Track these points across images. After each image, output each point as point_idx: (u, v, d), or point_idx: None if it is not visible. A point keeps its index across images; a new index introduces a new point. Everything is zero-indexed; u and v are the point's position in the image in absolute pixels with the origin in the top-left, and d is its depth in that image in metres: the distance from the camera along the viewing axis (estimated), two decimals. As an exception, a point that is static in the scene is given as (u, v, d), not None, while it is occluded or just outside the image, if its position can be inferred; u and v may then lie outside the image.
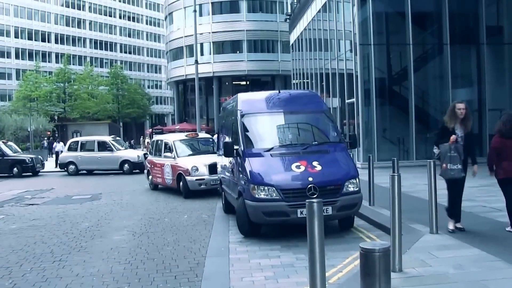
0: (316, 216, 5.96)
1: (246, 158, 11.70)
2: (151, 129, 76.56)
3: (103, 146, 33.42)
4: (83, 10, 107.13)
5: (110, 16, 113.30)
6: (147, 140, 53.28)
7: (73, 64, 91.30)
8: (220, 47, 74.12)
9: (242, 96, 13.84)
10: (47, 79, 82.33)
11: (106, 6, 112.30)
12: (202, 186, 19.35)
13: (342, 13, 31.29)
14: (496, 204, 13.45)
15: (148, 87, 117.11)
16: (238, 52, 73.51)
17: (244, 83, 74.13)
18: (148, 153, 27.69)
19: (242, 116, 12.65)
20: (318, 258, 5.96)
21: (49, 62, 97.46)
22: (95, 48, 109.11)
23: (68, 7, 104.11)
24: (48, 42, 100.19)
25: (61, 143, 44.76)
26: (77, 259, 10.59)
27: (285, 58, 66.78)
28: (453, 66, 27.34)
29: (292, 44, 52.52)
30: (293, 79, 52.82)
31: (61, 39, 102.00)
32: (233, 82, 74.29)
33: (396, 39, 28.96)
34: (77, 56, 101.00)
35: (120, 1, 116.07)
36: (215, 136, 21.86)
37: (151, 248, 11.32)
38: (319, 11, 36.82)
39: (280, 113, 13.06)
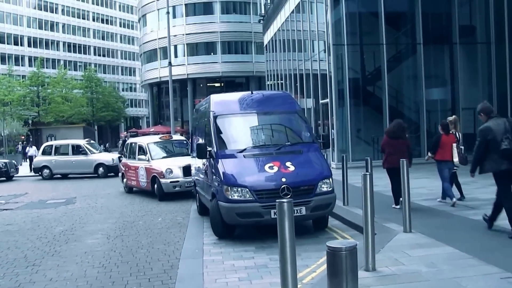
0: (287, 216, 5.94)
1: (219, 160, 11.67)
2: (125, 132, 76.17)
3: (77, 150, 33.16)
4: (56, 13, 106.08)
5: (84, 18, 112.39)
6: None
7: (46, 68, 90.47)
8: (194, 49, 73.91)
9: (214, 98, 13.78)
10: (21, 83, 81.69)
11: (80, 9, 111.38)
12: (176, 189, 19.33)
13: (316, 13, 31.35)
14: (470, 202, 13.63)
15: (123, 90, 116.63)
16: (212, 53, 73.41)
17: (218, 84, 74.05)
18: (122, 156, 27.55)
19: (215, 117, 12.61)
20: (289, 258, 5.95)
21: (22, 65, 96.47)
22: (69, 51, 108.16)
23: (41, 9, 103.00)
24: (21, 45, 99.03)
25: (34, 148, 44.39)
26: (50, 263, 10.50)
27: (259, 59, 66.82)
28: (427, 66, 27.55)
29: (266, 45, 52.54)
30: (268, 80, 52.84)
31: (34, 42, 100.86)
32: (208, 84, 74.19)
33: (370, 39, 29.10)
34: (50, 60, 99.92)
35: (93, 3, 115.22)
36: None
37: (125, 251, 11.26)
38: (292, 12, 36.88)
39: (253, 114, 13.04)
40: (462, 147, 13.54)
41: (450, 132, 13.73)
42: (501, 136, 9.53)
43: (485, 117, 10.08)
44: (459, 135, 14.08)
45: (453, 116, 14.73)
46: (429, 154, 13.95)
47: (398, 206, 13.05)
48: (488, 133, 9.71)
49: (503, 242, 9.38)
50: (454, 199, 13.08)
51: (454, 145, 13.44)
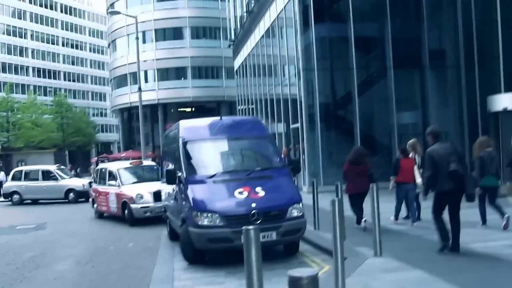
0: (253, 243, 5.88)
1: (189, 185, 11.63)
2: (96, 158, 75.57)
3: (47, 175, 32.85)
4: (25, 38, 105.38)
5: (53, 44, 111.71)
6: (92, 167, 52.64)
7: (16, 93, 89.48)
8: (165, 74, 73.68)
9: (183, 123, 13.77)
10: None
11: (49, 34, 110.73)
12: (147, 214, 19.21)
13: (286, 38, 31.51)
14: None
15: (93, 115, 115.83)
16: (182, 78, 73.19)
17: (189, 110, 73.69)
18: (93, 181, 27.35)
19: (184, 143, 12.59)
20: (256, 285, 5.87)
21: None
22: (39, 76, 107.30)
23: (10, 35, 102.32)
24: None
25: (2, 173, 43.80)
26: (19, 290, 10.34)
27: (230, 84, 66.73)
28: (397, 90, 27.63)
29: (237, 70, 52.67)
30: (239, 105, 52.89)
31: (3, 67, 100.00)
32: (178, 109, 73.81)
33: (340, 63, 29.23)
34: (20, 85, 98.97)
35: (63, 28, 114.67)
36: None
37: (95, 277, 11.17)
38: (262, 37, 37.04)
39: (222, 139, 13.07)
40: (421, 170, 13.58)
41: (409, 155, 14.43)
42: (448, 158, 10.02)
43: (432, 140, 10.63)
44: (418, 158, 14.61)
45: (413, 140, 15.13)
46: (391, 178, 14.45)
47: (361, 225, 13.68)
48: (435, 155, 10.20)
49: (472, 263, 9.50)
50: (392, 218, 14.38)
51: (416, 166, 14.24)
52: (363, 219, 13.63)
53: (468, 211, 11.21)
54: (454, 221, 10.30)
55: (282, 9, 30.63)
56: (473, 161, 13.25)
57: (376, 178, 13.53)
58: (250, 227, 6.00)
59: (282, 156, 15.49)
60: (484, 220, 12.89)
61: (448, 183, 10.02)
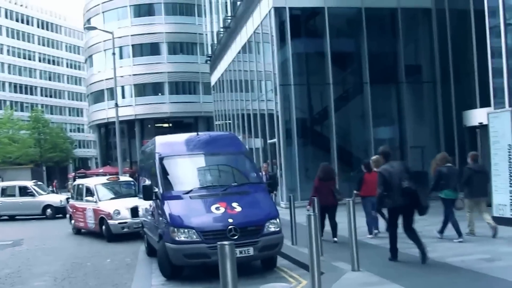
0: (229, 259, 5.92)
1: (165, 201, 11.61)
2: (74, 173, 75.04)
3: (24, 191, 32.62)
4: (1, 53, 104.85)
5: (30, 59, 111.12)
6: (70, 182, 52.26)
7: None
8: (142, 90, 73.46)
9: (159, 139, 13.77)
10: (-34, 124, 79.59)
11: (25, 49, 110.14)
12: (125, 230, 19.16)
13: (263, 54, 31.59)
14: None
15: (71, 131, 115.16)
16: (160, 94, 73.06)
17: (166, 125, 73.49)
18: (70, 197, 27.16)
19: (160, 159, 12.58)
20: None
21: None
22: (15, 91, 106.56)
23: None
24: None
25: None
26: (-6, 308, 10.23)
27: (207, 99, 66.69)
28: (374, 105, 27.80)
29: (214, 85, 52.68)
30: (216, 121, 52.88)
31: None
32: (156, 125, 73.53)
33: (317, 79, 29.28)
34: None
35: (39, 44, 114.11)
36: None
37: (71, 294, 11.04)
38: (239, 52, 37.08)
39: (199, 155, 13.09)
40: None
41: (373, 170, 14.77)
42: (399, 176, 10.78)
43: (383, 160, 11.75)
44: None
45: (376, 156, 15.20)
46: (355, 191, 15.10)
47: (336, 239, 14.40)
48: (386, 174, 10.91)
49: (449, 278, 9.54)
50: (375, 231, 14.92)
51: None
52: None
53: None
54: (410, 231, 11.03)
55: (259, 25, 30.71)
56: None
57: (341, 193, 14.85)
58: (225, 242, 6.03)
59: (263, 172, 15.75)
60: (459, 233, 13.32)
61: (401, 199, 10.69)
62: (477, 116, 21.54)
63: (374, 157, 15.49)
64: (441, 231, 13.90)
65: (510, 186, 14.89)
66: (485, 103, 20.37)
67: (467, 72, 24.95)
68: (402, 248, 12.67)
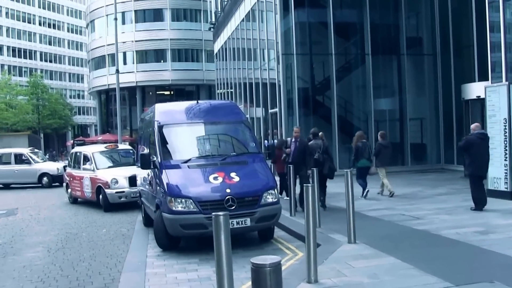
0: (223, 230, 5.84)
1: (163, 170, 11.49)
2: (72, 141, 74.90)
3: (20, 159, 32.20)
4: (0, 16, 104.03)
5: (29, 22, 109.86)
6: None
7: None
8: (144, 56, 73.08)
9: (159, 107, 13.59)
10: (-39, 88, 78.88)
11: (25, 13, 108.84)
12: (122, 199, 19.06)
13: (266, 22, 31.35)
14: (415, 212, 13.83)
15: (70, 97, 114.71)
16: (162, 61, 72.65)
17: (168, 93, 73.29)
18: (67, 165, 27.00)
19: (159, 127, 12.40)
20: (226, 272, 5.85)
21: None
22: (13, 56, 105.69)
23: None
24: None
25: None
26: (-15, 278, 10.12)
27: (210, 67, 66.49)
28: (375, 76, 27.87)
29: (216, 53, 52.39)
30: (218, 89, 52.68)
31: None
32: (157, 92, 73.33)
33: (319, 49, 29.17)
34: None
35: (40, 7, 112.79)
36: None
37: (66, 265, 10.95)
38: (243, 20, 36.84)
39: (198, 123, 12.89)
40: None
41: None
42: (316, 150, 15.17)
43: (313, 137, 15.94)
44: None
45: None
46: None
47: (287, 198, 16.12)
48: (309, 148, 15.41)
49: (444, 251, 9.53)
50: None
51: None
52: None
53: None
54: (322, 187, 14.91)
55: (262, -7, 30.51)
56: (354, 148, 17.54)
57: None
58: (220, 213, 5.94)
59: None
60: (364, 193, 17.11)
61: (312, 166, 14.26)
62: (475, 89, 21.58)
63: (358, 132, 18.31)
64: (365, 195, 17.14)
65: (505, 160, 15.06)
66: (483, 77, 20.37)
67: (467, 46, 24.98)
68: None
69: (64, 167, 29.07)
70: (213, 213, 6.02)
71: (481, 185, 14.06)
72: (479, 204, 13.67)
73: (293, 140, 16.27)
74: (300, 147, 15.70)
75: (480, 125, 14.51)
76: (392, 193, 17.20)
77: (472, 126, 14.13)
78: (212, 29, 53.66)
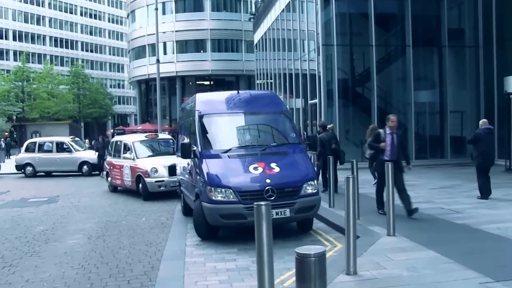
0: (264, 219, 5.84)
1: (203, 160, 11.50)
2: (112, 130, 75.55)
3: (61, 147, 32.56)
4: (42, 6, 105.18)
5: (71, 13, 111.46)
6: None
7: (32, 62, 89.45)
8: (184, 46, 73.38)
9: (200, 97, 13.59)
10: (5, 78, 79.88)
11: (67, 3, 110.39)
12: (161, 188, 19.16)
13: (306, 13, 31.25)
14: (455, 206, 13.67)
15: (111, 87, 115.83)
16: (201, 51, 72.84)
17: (207, 83, 73.48)
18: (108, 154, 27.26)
19: (200, 116, 12.42)
20: (266, 262, 5.86)
21: (7, 60, 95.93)
22: (55, 46, 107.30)
23: (27, 3, 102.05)
24: (6, 39, 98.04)
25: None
26: (28, 264, 10.27)
27: (249, 58, 66.54)
28: (416, 68, 27.59)
29: (256, 44, 52.38)
30: (257, 79, 52.70)
31: (19, 36, 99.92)
32: (197, 82, 73.59)
33: (359, 40, 29.01)
34: (36, 54, 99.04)
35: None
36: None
37: (106, 252, 11.07)
38: (283, 11, 36.80)
39: (238, 113, 12.87)
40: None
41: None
42: (330, 141, 17.22)
43: (322, 130, 18.03)
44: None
45: (372, 125, 19.02)
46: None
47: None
48: (322, 139, 17.24)
49: (484, 245, 9.43)
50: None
51: None
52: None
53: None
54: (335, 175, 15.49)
55: (303, -17, 30.41)
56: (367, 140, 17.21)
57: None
58: (262, 202, 5.94)
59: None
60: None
61: (330, 156, 15.32)
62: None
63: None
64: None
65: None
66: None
67: (510, 38, 24.51)
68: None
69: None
70: (255, 203, 6.01)
71: (487, 176, 14.77)
72: (485, 193, 14.52)
73: (388, 131, 13.18)
74: (399, 140, 13.11)
75: None
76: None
77: (480, 122, 15.24)
78: (252, 20, 53.71)
